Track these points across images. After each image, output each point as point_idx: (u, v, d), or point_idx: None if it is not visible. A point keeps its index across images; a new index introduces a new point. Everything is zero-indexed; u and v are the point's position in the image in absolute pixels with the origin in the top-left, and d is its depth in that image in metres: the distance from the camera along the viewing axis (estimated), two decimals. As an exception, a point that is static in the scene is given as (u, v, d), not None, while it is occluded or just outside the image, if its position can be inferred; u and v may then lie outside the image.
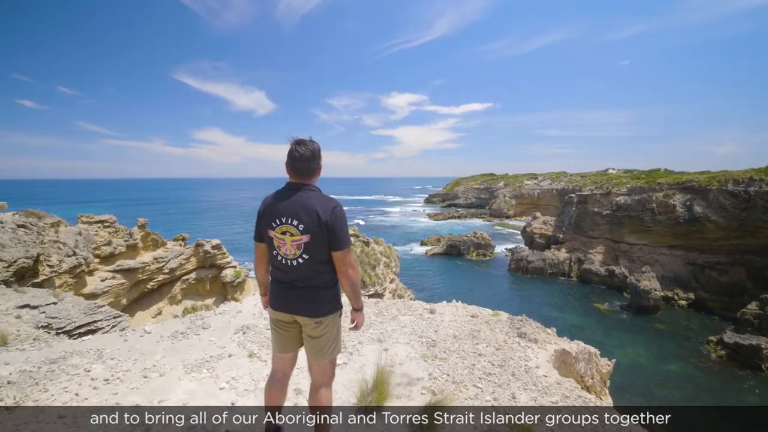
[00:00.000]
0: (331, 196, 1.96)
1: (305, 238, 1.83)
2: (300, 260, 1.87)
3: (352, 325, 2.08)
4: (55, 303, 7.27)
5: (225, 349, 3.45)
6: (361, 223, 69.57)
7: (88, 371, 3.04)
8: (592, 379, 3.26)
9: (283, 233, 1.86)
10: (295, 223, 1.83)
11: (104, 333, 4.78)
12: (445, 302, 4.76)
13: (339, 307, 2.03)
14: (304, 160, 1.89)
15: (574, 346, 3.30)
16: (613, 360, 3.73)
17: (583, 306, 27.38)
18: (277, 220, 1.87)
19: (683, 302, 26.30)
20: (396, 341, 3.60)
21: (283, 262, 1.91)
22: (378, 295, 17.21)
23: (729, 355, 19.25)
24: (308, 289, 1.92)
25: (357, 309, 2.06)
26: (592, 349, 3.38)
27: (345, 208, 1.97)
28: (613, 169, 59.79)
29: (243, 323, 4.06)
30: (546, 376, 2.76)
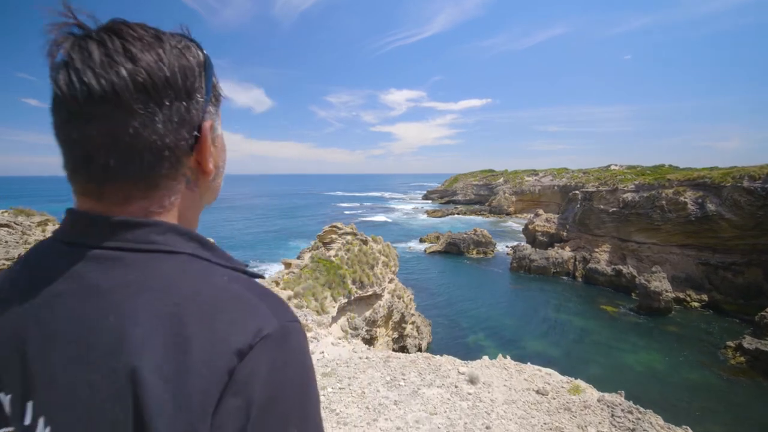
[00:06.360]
0: (262, 287, 0.45)
1: None
2: None
3: None
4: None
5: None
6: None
7: None
8: None
9: None
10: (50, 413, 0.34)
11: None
12: (486, 358, 3.26)
13: None
14: (106, 100, 0.40)
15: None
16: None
17: (590, 308, 26.16)
18: None
19: (696, 304, 25.12)
20: (423, 445, 2.11)
21: None
22: (377, 296, 15.91)
23: (749, 362, 18.08)
24: None
25: None
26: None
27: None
28: (616, 165, 58.47)
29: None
30: None
